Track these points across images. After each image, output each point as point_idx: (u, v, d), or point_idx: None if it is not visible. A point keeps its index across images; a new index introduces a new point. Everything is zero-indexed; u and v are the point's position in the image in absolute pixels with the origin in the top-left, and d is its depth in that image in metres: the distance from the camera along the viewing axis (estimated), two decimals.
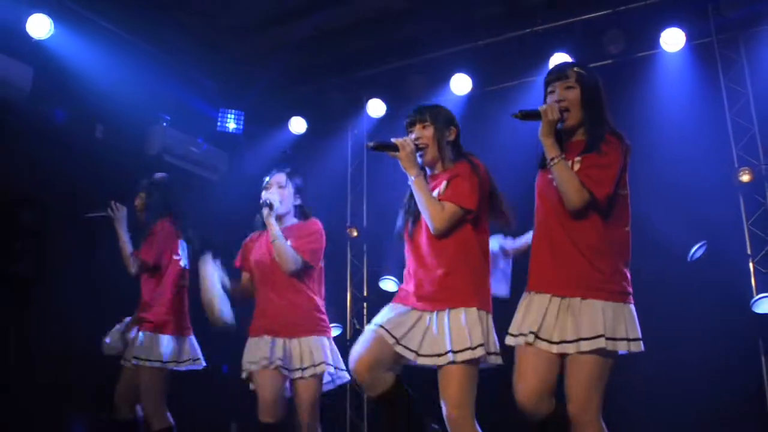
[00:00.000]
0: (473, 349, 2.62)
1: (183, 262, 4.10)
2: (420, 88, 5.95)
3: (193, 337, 4.07)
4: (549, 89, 2.59)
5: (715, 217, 4.83)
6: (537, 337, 2.48)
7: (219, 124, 6.06)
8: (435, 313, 2.69)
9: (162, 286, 4.03)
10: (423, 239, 2.79)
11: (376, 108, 6.12)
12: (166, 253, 4.03)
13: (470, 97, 5.80)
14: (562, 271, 2.50)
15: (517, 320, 2.58)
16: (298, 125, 6.32)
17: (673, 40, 5.17)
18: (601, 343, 2.37)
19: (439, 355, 2.63)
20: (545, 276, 2.53)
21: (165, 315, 3.96)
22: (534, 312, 2.52)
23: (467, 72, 5.76)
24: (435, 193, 2.76)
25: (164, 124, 5.80)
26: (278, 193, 3.51)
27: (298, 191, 3.61)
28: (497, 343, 2.74)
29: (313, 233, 3.51)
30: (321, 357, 3.40)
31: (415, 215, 2.82)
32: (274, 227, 3.39)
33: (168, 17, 5.56)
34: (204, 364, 4.07)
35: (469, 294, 2.70)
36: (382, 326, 2.71)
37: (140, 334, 3.94)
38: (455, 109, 5.53)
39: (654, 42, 5.27)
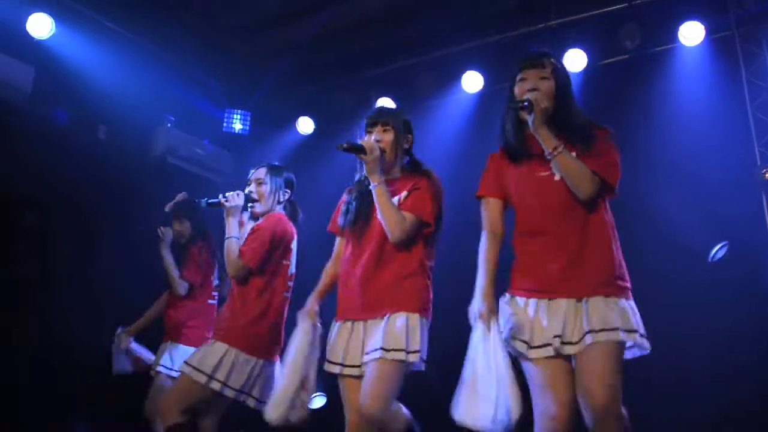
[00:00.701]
0: (408, 352, 2.62)
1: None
2: (430, 87, 5.82)
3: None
4: (521, 76, 2.45)
5: (736, 214, 4.67)
6: (562, 342, 2.34)
7: (225, 125, 6.00)
8: (380, 319, 2.70)
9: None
10: (372, 244, 2.76)
11: (382, 104, 5.78)
12: (208, 275, 4.28)
13: (482, 95, 5.65)
14: (577, 271, 2.35)
15: (536, 330, 2.38)
16: (305, 126, 6.17)
17: (692, 33, 5.00)
18: (618, 335, 2.27)
19: (371, 351, 2.65)
20: (557, 280, 2.37)
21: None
22: (553, 320, 2.36)
23: (478, 69, 5.60)
24: (395, 200, 2.76)
25: (168, 125, 5.73)
26: (255, 190, 3.38)
27: (286, 186, 3.46)
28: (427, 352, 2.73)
29: (258, 230, 3.31)
30: None
31: (366, 217, 2.79)
32: (230, 226, 3.28)
33: (172, 17, 5.46)
34: None
35: (413, 300, 2.71)
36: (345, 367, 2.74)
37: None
38: (467, 107, 5.71)
39: (672, 36, 5.11)
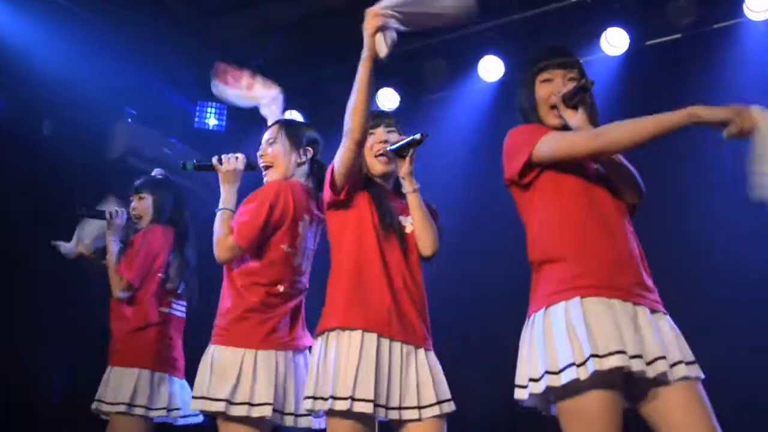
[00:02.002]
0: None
1: None
2: (441, 75, 5.26)
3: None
4: (545, 76, 2.24)
5: None
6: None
7: (197, 119, 5.65)
8: (424, 352, 2.45)
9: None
10: (400, 259, 2.50)
11: (388, 99, 5.37)
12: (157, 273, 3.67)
13: (502, 83, 5.11)
14: (634, 274, 2.07)
15: (628, 340, 1.92)
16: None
17: (762, 6, 4.33)
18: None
19: (427, 406, 2.37)
20: (621, 280, 2.03)
21: None
22: (629, 328, 1.96)
23: (498, 54, 5.07)
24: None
25: (129, 119, 5.38)
26: (266, 152, 2.86)
27: (308, 144, 2.89)
28: None
29: (249, 200, 2.77)
30: None
31: (400, 232, 2.53)
32: (224, 196, 2.85)
33: None
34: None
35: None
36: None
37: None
38: (484, 98, 5.35)
39: (736, 9, 4.46)
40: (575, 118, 2.15)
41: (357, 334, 2.31)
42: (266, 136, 2.88)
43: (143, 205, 3.68)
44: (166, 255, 3.56)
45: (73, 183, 4.84)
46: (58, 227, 4.56)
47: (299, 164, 2.83)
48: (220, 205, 2.77)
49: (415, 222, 2.53)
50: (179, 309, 3.63)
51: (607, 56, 4.71)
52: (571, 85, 2.19)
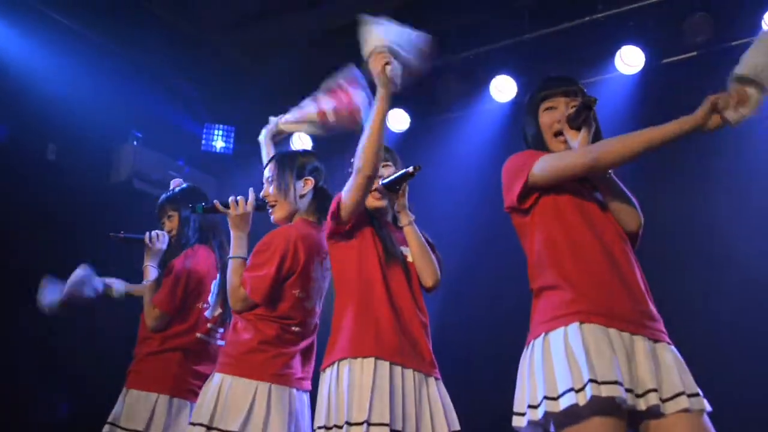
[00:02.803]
0: None
1: None
2: (452, 95, 5.20)
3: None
4: (549, 104, 2.28)
5: None
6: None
7: (204, 142, 5.64)
8: (434, 381, 2.45)
9: None
10: (405, 287, 2.51)
11: (398, 120, 5.30)
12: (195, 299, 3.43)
13: (515, 104, 5.02)
14: (634, 301, 2.05)
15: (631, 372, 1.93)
16: (300, 143, 5.52)
17: None
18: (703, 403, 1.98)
19: None
20: (621, 309, 2.02)
21: None
22: (624, 360, 1.95)
23: (511, 73, 4.99)
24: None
25: (135, 142, 5.36)
26: (267, 191, 2.84)
27: (307, 173, 2.83)
28: None
29: (259, 250, 2.73)
30: None
31: (403, 261, 2.56)
32: (234, 243, 2.79)
33: (140, 10, 5.05)
34: None
35: None
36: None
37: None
38: (497, 118, 5.25)
39: (753, 26, 4.34)
40: (578, 138, 2.16)
41: (369, 362, 2.28)
42: (266, 174, 2.86)
43: (174, 223, 3.45)
44: (209, 282, 3.34)
45: (79, 207, 4.76)
46: (64, 252, 4.46)
47: (302, 196, 2.80)
48: (231, 253, 2.73)
49: (414, 255, 2.55)
50: (217, 336, 3.40)
51: (622, 75, 4.64)
52: (557, 116, 2.22)
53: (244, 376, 2.54)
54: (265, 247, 2.67)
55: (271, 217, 2.81)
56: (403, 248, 2.55)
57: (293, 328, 2.67)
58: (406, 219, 2.56)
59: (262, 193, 2.81)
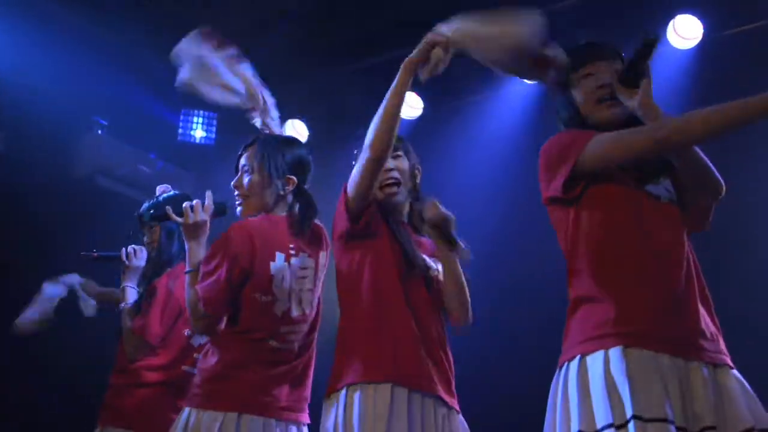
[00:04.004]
0: None
1: None
2: (469, 77, 4.80)
3: None
4: (586, 71, 2.14)
5: None
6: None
7: (180, 131, 5.41)
8: (456, 415, 2.37)
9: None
10: (427, 302, 2.43)
11: (410, 105, 5.08)
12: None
13: (543, 88, 4.61)
14: (690, 319, 1.94)
15: (677, 405, 1.80)
16: (296, 132, 5.34)
17: None
18: None
19: None
20: (673, 330, 1.90)
21: None
22: (680, 390, 1.83)
23: None
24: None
25: (99, 131, 5.15)
26: (240, 184, 2.70)
27: (291, 170, 2.67)
28: None
29: (208, 257, 2.59)
30: None
31: (426, 270, 2.47)
32: (189, 255, 2.62)
33: None
34: None
35: None
36: None
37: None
38: (523, 102, 5.07)
39: None
40: (638, 96, 1.97)
41: (385, 388, 2.18)
42: (242, 161, 2.71)
43: (155, 236, 3.39)
44: None
45: (32, 206, 4.55)
46: (17, 255, 4.52)
47: (280, 197, 2.65)
48: (187, 266, 2.59)
49: (449, 292, 2.44)
50: None
51: (675, 49, 4.43)
52: (598, 82, 2.08)
53: (209, 409, 2.40)
54: (214, 250, 2.53)
55: (238, 211, 2.68)
56: (425, 257, 2.46)
57: (269, 342, 2.49)
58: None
59: (233, 183, 2.68)
